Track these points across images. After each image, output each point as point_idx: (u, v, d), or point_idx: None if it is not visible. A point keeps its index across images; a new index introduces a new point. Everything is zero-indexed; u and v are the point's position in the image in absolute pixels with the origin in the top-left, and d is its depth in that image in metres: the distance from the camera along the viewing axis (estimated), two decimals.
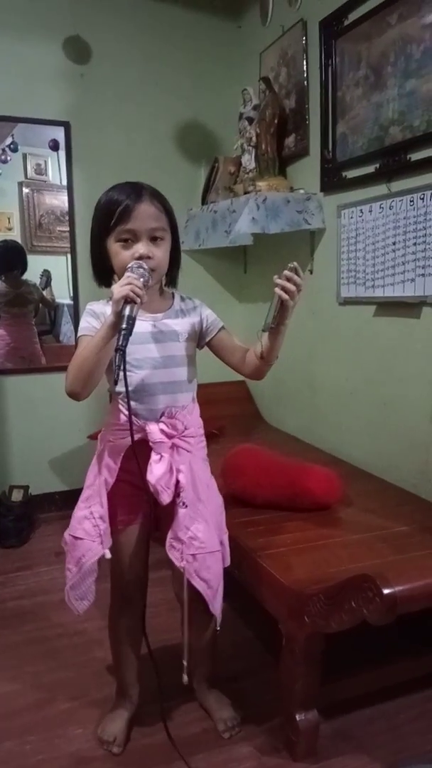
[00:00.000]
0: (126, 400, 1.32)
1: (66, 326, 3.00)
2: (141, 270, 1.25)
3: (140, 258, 1.29)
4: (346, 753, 1.50)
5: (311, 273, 2.53)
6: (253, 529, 1.71)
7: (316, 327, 2.53)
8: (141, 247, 1.30)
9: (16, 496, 2.81)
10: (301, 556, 1.55)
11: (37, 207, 2.88)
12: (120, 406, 1.39)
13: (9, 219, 2.84)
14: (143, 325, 1.35)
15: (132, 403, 1.34)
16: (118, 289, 1.20)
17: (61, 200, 2.89)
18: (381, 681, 1.62)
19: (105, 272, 1.40)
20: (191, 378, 1.43)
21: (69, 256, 2.91)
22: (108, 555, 1.38)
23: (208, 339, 1.46)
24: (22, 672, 1.81)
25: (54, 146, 2.84)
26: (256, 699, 1.67)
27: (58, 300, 2.98)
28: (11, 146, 2.79)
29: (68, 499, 3.00)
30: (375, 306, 2.18)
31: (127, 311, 1.19)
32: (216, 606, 1.42)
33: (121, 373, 1.22)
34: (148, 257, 1.30)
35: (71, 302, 2.95)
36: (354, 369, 2.34)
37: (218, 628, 1.51)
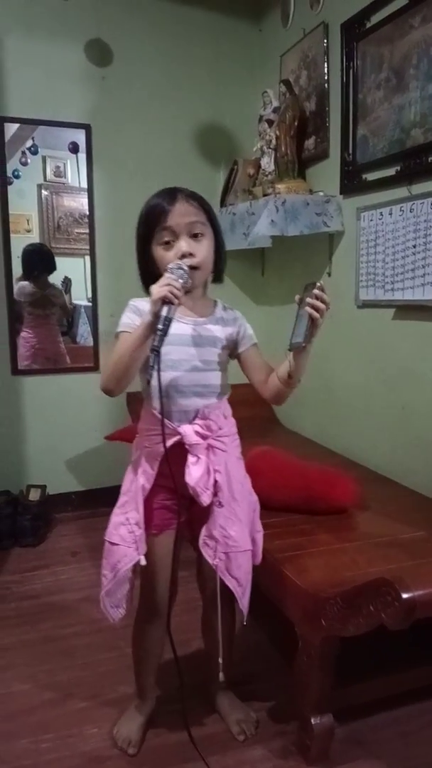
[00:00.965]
0: (158, 401, 1.32)
1: (83, 327, 3.02)
2: (180, 271, 1.25)
3: (183, 256, 1.29)
4: (357, 758, 1.49)
5: (329, 276, 2.53)
6: (269, 531, 1.69)
7: (333, 330, 2.51)
8: (183, 245, 1.30)
9: (34, 495, 2.83)
10: (317, 560, 1.55)
11: (56, 209, 2.91)
12: (153, 411, 1.38)
13: (28, 221, 2.86)
14: (183, 327, 1.36)
15: (164, 405, 1.34)
16: (157, 289, 1.21)
17: (79, 202, 2.92)
18: (394, 687, 1.60)
19: (146, 281, 1.39)
20: (224, 384, 1.43)
21: (87, 258, 2.93)
22: (143, 561, 1.38)
23: (239, 351, 1.46)
24: (37, 670, 1.83)
25: (74, 149, 2.86)
26: (269, 702, 1.67)
27: (76, 301, 3.00)
28: (31, 149, 2.82)
29: (85, 499, 3.04)
30: (394, 309, 2.17)
31: (164, 312, 1.19)
32: (244, 602, 1.43)
33: (155, 373, 1.22)
34: (191, 254, 1.30)
35: (89, 304, 2.97)
36: (372, 372, 2.33)
37: (245, 623, 1.52)
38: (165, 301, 1.20)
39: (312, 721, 1.44)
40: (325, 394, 2.66)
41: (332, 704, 1.47)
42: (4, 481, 2.87)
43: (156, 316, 1.20)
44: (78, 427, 3.00)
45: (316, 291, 1.25)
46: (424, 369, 2.05)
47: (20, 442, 2.93)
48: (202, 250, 1.33)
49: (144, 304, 1.37)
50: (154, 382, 1.24)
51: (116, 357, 1.29)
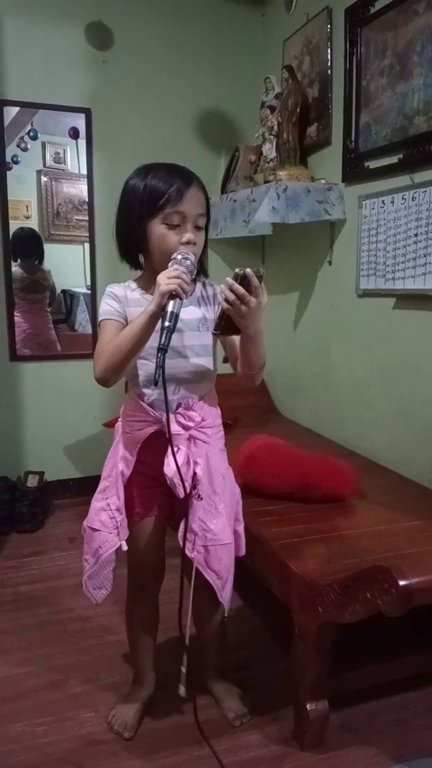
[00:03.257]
0: (143, 389, 1.32)
1: (81, 315, 3.01)
2: (188, 262, 1.21)
3: (188, 243, 1.25)
4: (352, 744, 1.50)
5: (330, 264, 2.51)
6: (265, 519, 1.71)
7: (333, 319, 2.51)
8: (190, 235, 1.26)
9: (32, 481, 2.83)
10: (314, 547, 1.55)
11: (55, 195, 2.89)
12: (138, 398, 1.37)
13: (27, 207, 2.85)
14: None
15: (147, 392, 1.33)
16: (165, 280, 1.16)
17: (79, 189, 2.90)
18: (389, 674, 1.61)
19: (132, 253, 1.35)
20: (209, 368, 1.39)
21: (87, 245, 2.91)
22: (125, 547, 1.38)
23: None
24: (34, 654, 1.83)
25: (74, 134, 2.84)
26: (264, 688, 1.68)
27: (75, 289, 2.99)
28: (30, 134, 2.80)
29: (83, 486, 3.03)
30: (395, 298, 2.16)
31: (170, 307, 1.15)
32: (224, 595, 1.42)
33: (160, 371, 1.16)
34: (194, 243, 1.27)
35: (88, 291, 2.96)
36: (371, 362, 2.32)
37: (225, 617, 1.52)
38: (173, 295, 1.15)
39: (307, 707, 1.45)
40: (324, 383, 2.66)
41: (328, 691, 1.47)
42: (2, 467, 2.87)
43: (162, 309, 1.16)
44: (77, 414, 2.99)
45: (228, 279, 1.15)
46: (424, 359, 2.04)
47: (19, 429, 2.93)
48: (200, 242, 1.30)
49: (121, 290, 1.34)
50: (155, 382, 1.17)
51: (113, 347, 1.24)
